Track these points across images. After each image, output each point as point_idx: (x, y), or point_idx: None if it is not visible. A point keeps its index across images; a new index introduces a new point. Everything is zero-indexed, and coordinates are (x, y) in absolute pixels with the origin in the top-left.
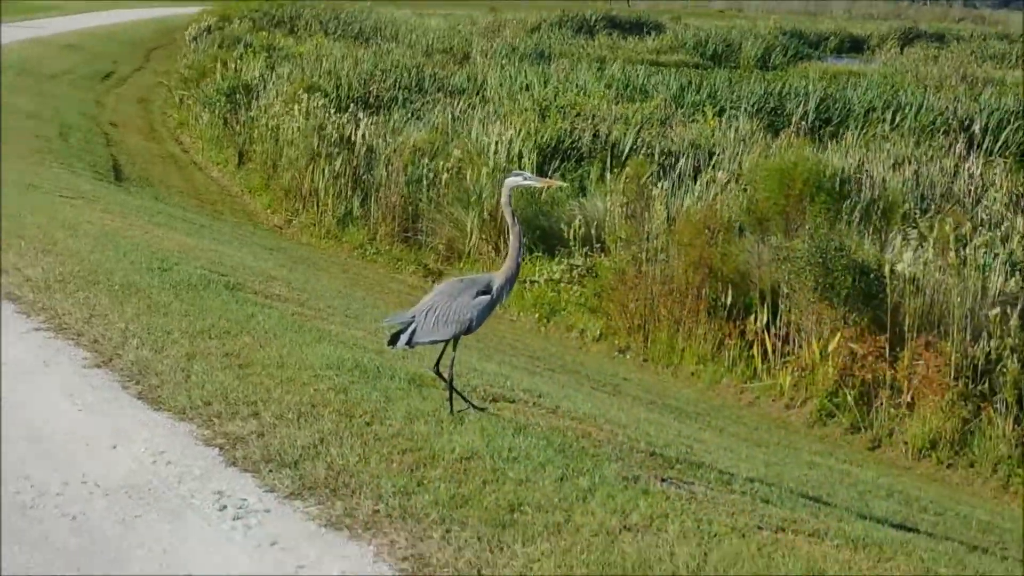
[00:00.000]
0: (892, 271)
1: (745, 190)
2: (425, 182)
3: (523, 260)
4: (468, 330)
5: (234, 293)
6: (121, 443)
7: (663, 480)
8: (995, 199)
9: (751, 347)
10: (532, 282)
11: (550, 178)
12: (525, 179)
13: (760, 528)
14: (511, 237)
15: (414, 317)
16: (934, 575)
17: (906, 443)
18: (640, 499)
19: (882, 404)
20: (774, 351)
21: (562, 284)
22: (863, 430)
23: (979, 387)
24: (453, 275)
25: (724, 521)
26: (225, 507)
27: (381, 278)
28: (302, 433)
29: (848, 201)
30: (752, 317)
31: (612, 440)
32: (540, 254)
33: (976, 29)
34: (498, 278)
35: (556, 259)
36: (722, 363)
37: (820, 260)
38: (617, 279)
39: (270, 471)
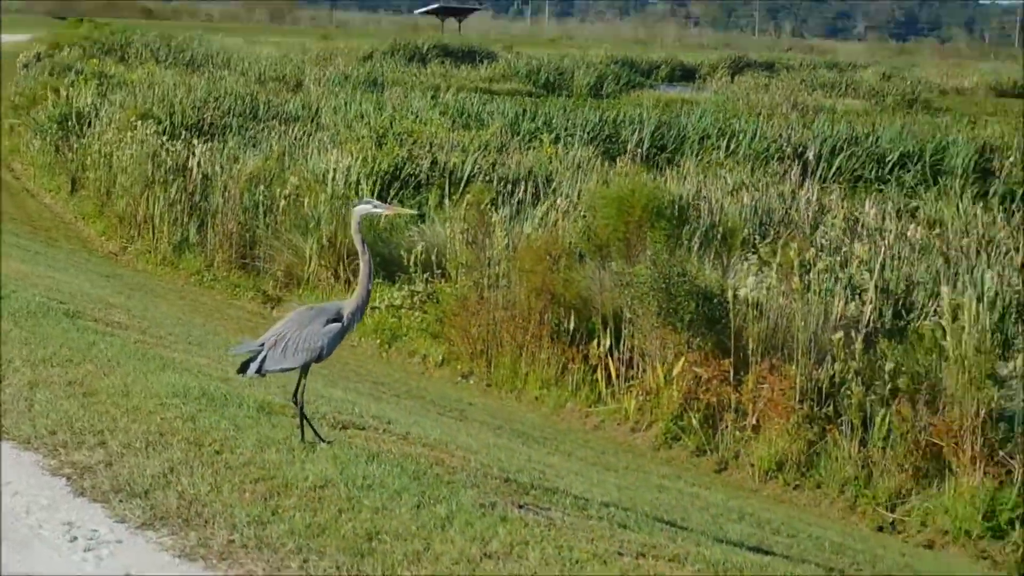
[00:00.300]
0: (735, 296)
1: (584, 216)
2: (262, 208)
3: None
4: (319, 358)
5: (74, 321)
6: None
7: (520, 507)
8: (833, 224)
9: (595, 371)
10: (373, 308)
11: (391, 204)
12: (374, 207)
13: (620, 554)
14: (361, 264)
15: (263, 345)
16: None
17: (752, 465)
18: (499, 526)
19: (727, 427)
20: (618, 375)
21: (403, 310)
22: (709, 452)
23: (824, 410)
24: (292, 301)
25: (584, 547)
26: (75, 538)
27: (219, 304)
28: (151, 462)
29: (688, 227)
30: (595, 342)
31: (465, 467)
32: (380, 280)
33: (805, 58)
34: (348, 305)
35: (397, 285)
36: (566, 387)
37: (663, 286)
38: (459, 305)
39: (120, 501)
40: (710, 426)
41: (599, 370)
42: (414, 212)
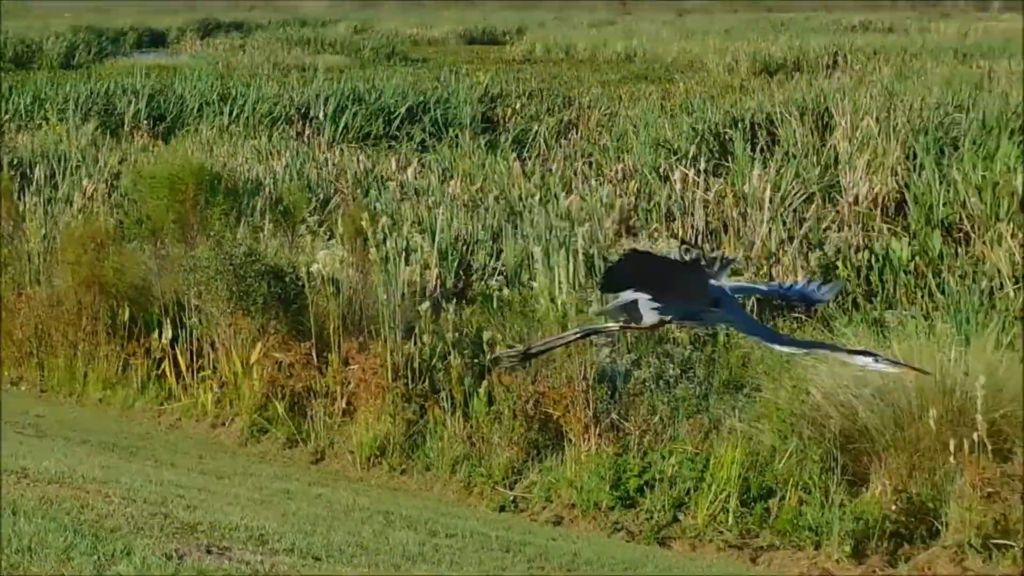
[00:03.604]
0: (308, 273)
1: (125, 198)
2: None
3: None
4: None
5: None
6: None
7: (208, 551)
8: (387, 187)
9: (159, 365)
10: None
11: None
12: None
13: None
14: None
15: None
16: None
17: (352, 452)
18: None
19: (317, 414)
20: (188, 368)
21: None
22: (302, 443)
23: (420, 386)
24: None
25: None
26: None
27: None
28: None
29: (244, 202)
30: (156, 333)
31: (109, 504)
32: None
33: (273, 17)
34: None
35: None
36: (131, 386)
37: (230, 267)
38: None
39: None
40: (299, 414)
41: (165, 363)
42: None
